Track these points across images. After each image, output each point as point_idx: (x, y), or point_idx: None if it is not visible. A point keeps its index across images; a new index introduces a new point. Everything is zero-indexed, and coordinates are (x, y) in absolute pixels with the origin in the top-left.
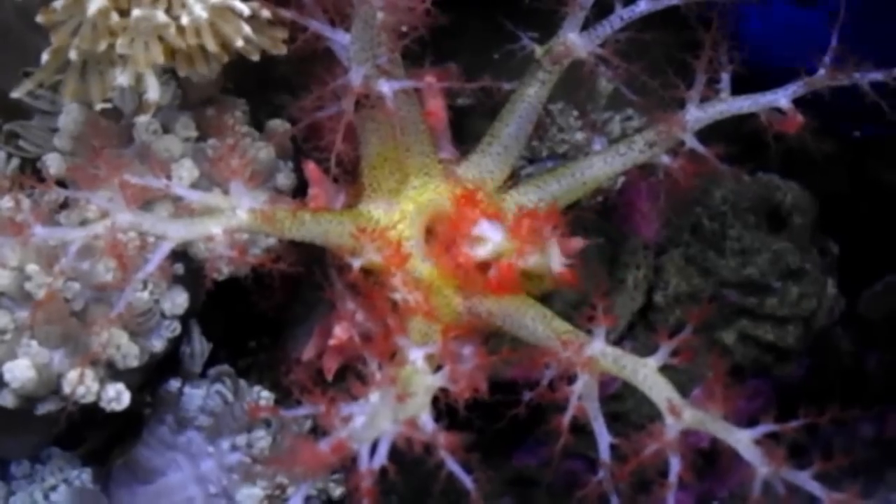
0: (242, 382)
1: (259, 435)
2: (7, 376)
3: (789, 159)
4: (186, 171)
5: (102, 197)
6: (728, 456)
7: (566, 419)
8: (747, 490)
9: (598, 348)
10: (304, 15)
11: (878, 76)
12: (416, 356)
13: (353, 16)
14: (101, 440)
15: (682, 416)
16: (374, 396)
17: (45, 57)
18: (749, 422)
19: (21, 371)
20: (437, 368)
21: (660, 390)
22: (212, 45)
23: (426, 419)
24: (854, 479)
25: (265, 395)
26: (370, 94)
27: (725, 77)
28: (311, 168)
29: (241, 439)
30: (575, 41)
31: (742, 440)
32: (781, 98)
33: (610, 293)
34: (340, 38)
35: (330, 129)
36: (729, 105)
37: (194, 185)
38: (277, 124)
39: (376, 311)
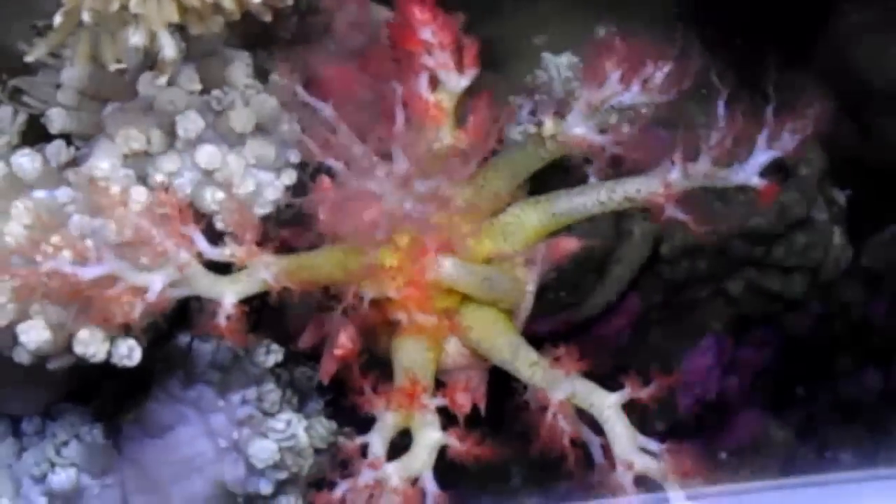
0: (251, 336)
1: (269, 388)
2: (23, 338)
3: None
4: (192, 122)
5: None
6: (735, 409)
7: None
8: (755, 441)
9: (568, 391)
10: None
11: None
12: (428, 408)
13: None
14: (111, 395)
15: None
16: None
17: (57, 19)
18: (756, 372)
19: (37, 333)
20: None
21: (618, 435)
22: (228, 2)
23: (428, 477)
24: (861, 431)
25: (274, 349)
26: None
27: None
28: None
29: (251, 393)
30: (580, 133)
31: None
32: (752, 178)
33: (617, 244)
34: None
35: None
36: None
37: (199, 137)
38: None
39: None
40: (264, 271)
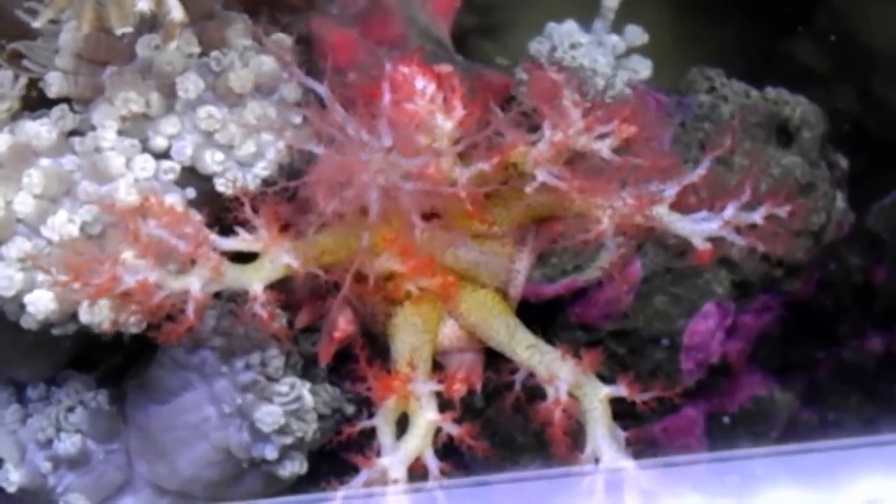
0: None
1: (272, 353)
2: (31, 309)
3: (796, 77)
4: (192, 84)
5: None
6: (738, 372)
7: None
8: (757, 405)
9: (569, 380)
10: None
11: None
12: (422, 391)
13: None
14: (116, 362)
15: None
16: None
17: None
18: (758, 337)
19: (44, 303)
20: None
21: (596, 426)
22: None
23: (429, 455)
24: (863, 395)
25: (278, 315)
26: None
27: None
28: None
29: (255, 358)
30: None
31: None
32: (698, 238)
33: None
34: None
35: None
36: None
37: (199, 98)
38: (281, 38)
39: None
40: (286, 256)
